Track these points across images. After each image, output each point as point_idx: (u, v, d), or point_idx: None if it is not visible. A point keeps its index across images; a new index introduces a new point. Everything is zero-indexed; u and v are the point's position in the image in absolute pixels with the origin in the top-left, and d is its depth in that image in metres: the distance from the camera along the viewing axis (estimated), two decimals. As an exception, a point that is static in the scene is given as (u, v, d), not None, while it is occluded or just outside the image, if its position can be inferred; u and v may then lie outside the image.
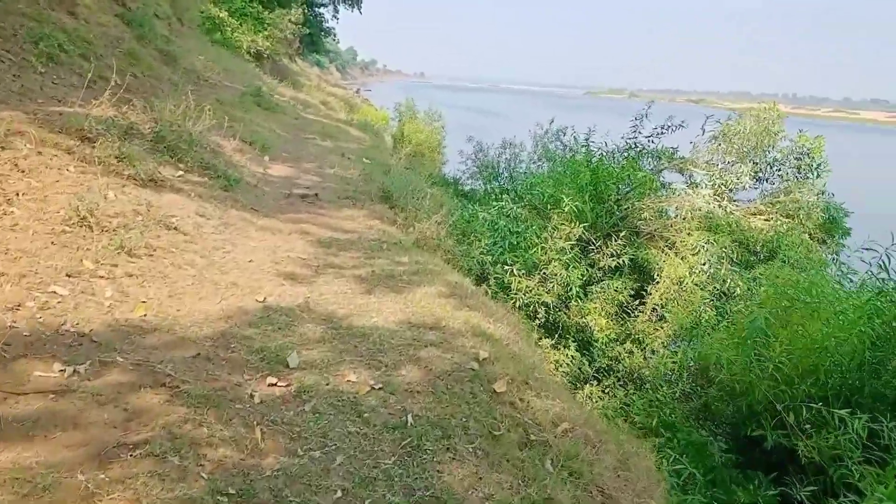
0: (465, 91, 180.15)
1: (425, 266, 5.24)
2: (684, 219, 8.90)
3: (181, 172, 6.05)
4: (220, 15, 26.67)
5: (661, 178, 10.19)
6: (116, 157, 5.50)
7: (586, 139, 11.65)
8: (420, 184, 9.94)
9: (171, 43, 14.03)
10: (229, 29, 26.62)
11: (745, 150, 9.57)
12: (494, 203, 10.04)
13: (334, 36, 55.87)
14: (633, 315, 8.02)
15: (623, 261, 7.63)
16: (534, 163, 18.51)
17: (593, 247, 8.73)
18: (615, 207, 9.29)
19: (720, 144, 9.75)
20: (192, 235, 4.53)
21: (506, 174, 18.36)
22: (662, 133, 10.44)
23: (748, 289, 7.80)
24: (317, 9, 49.85)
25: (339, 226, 6.25)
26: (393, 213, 7.40)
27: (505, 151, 18.51)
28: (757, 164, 9.81)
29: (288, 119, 13.46)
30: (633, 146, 10.48)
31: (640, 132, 10.60)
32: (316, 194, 7.32)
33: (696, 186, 9.43)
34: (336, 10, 50.88)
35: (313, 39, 49.83)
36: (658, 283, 8.13)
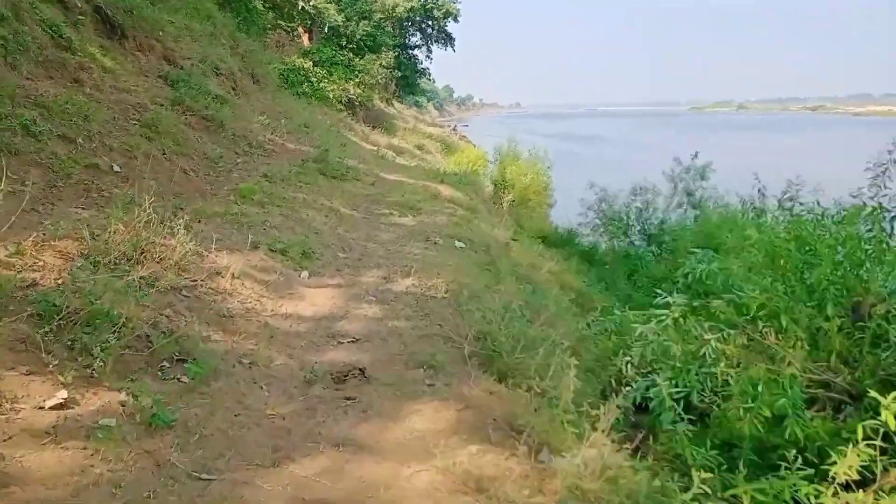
0: (561, 118, 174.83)
1: None
2: None
3: (55, 399, 2.77)
4: (305, 66, 24.50)
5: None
6: None
7: (788, 196, 7.48)
8: (547, 301, 6.28)
9: (224, 104, 11.31)
10: (315, 80, 24.35)
11: None
12: (655, 309, 6.20)
13: (429, 76, 53.92)
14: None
15: None
16: (674, 210, 14.43)
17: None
18: (889, 331, 5.23)
19: None
20: None
21: (637, 226, 14.37)
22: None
23: None
24: (410, 51, 48.03)
25: (391, 497, 2.73)
26: (507, 401, 3.80)
27: (635, 199, 14.54)
28: None
29: (360, 188, 10.27)
30: (880, 209, 6.32)
31: (885, 185, 6.46)
32: (362, 370, 3.85)
33: None
34: (429, 51, 48.85)
35: (409, 81, 47.94)
36: None
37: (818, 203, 7.29)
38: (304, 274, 5.58)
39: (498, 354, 4.21)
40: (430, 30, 48.14)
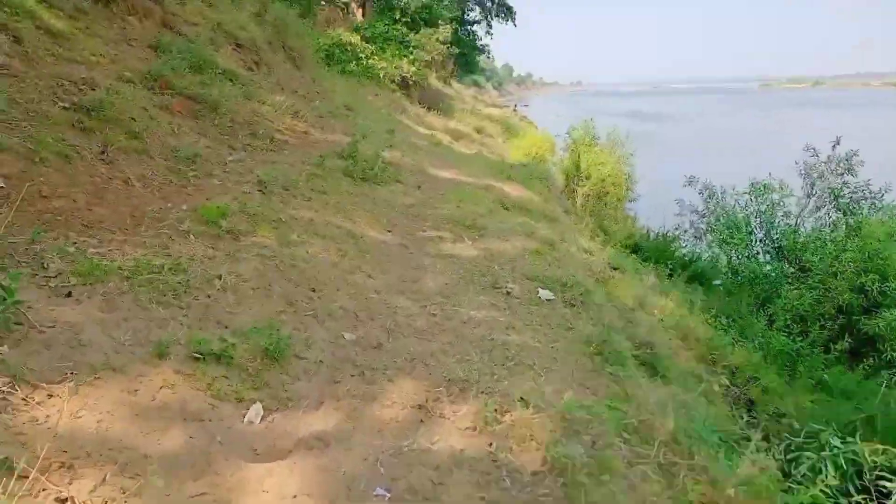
0: (624, 96, 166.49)
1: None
2: None
3: None
4: (352, 41, 21.66)
5: None
6: None
7: None
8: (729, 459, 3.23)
9: (232, 81, 8.65)
10: (363, 56, 21.49)
11: None
12: None
13: (489, 54, 50.50)
14: None
15: None
16: (809, 215, 10.91)
17: None
18: None
19: None
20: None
21: (760, 234, 10.92)
22: None
23: None
24: (469, 27, 44.82)
25: None
26: None
27: (753, 200, 11.07)
28: None
29: (401, 195, 7.34)
30: None
31: None
32: None
33: None
34: (489, 26, 45.45)
35: (467, 59, 44.79)
36: None
37: None
38: (254, 412, 2.71)
39: None
40: (489, 2, 44.68)
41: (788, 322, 8.58)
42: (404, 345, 3.68)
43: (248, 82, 9.44)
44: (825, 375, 7.64)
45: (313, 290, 4.10)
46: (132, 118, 5.87)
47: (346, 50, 21.20)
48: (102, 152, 5.23)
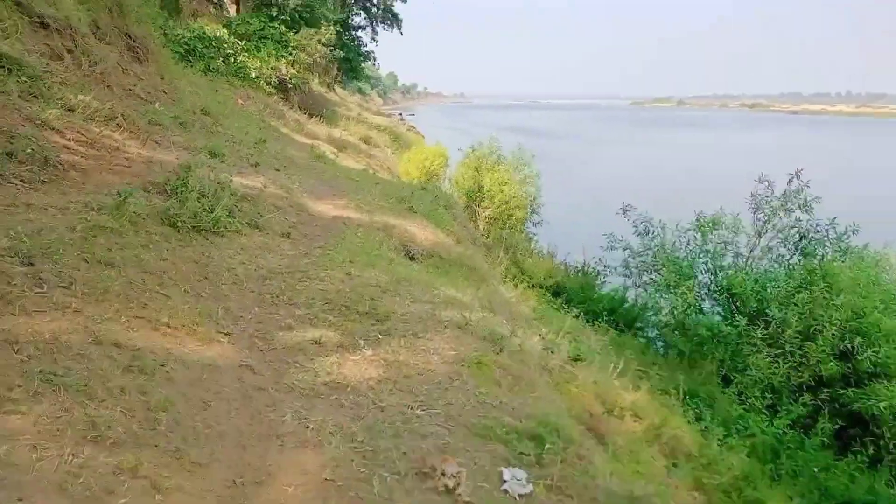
0: (506, 109, 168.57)
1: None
2: None
3: None
4: (219, 35, 18.31)
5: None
6: None
7: None
8: None
9: (17, 70, 5.60)
10: (232, 53, 18.22)
11: None
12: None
13: (374, 60, 47.85)
14: None
15: None
16: (762, 258, 9.29)
17: None
18: None
19: None
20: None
21: (704, 277, 9.16)
22: None
23: None
24: (354, 32, 42.10)
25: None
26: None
27: (695, 236, 9.29)
28: None
29: (256, 251, 4.63)
30: None
31: None
32: None
33: None
34: (375, 32, 42.98)
35: (352, 65, 41.98)
36: None
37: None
38: None
39: None
40: (375, 9, 42.23)
41: (766, 396, 6.78)
42: None
43: (39, 76, 6.34)
44: (824, 478, 5.82)
45: None
46: None
47: (211, 45, 17.80)
48: None
